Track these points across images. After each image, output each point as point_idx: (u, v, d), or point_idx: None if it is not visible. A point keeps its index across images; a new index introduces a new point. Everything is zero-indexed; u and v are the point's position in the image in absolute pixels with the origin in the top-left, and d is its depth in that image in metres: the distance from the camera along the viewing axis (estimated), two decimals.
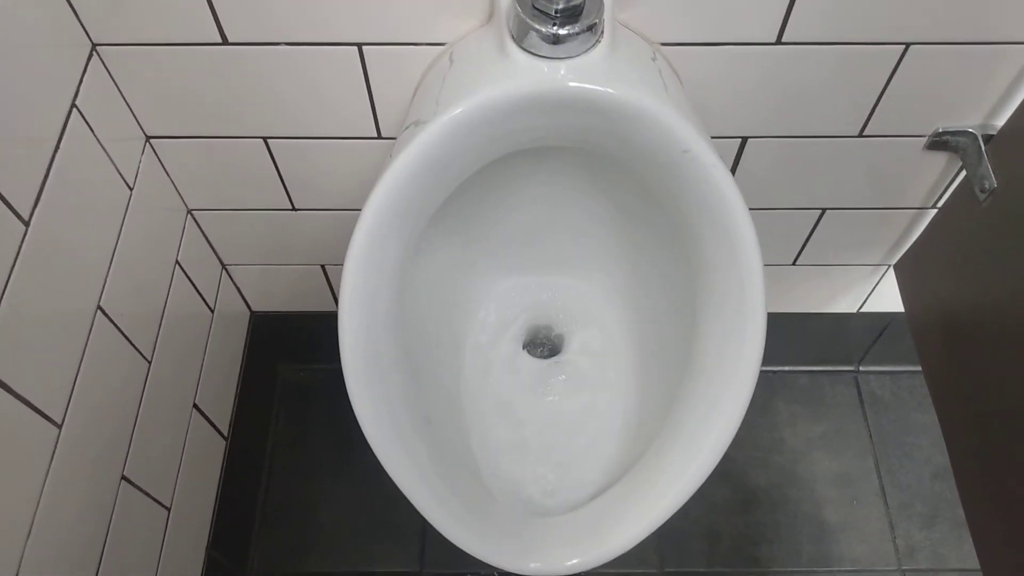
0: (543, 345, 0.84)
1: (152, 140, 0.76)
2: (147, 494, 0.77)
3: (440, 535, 0.61)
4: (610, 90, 0.55)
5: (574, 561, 0.62)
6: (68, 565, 0.64)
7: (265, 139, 0.76)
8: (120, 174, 0.71)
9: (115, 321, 0.70)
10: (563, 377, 0.80)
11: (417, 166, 0.57)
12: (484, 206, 0.78)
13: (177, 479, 0.84)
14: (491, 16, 0.63)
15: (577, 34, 0.54)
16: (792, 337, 1.11)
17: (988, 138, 0.74)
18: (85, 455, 0.65)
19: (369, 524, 1.07)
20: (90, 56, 0.66)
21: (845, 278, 0.99)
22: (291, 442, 1.14)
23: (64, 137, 0.62)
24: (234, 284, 1.00)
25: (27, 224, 0.57)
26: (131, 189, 0.73)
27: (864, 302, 1.04)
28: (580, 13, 0.55)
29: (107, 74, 0.68)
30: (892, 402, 1.19)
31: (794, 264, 0.96)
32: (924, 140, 0.77)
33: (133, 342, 0.74)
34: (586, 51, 0.56)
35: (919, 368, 0.87)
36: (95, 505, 0.68)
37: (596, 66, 0.56)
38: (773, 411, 1.18)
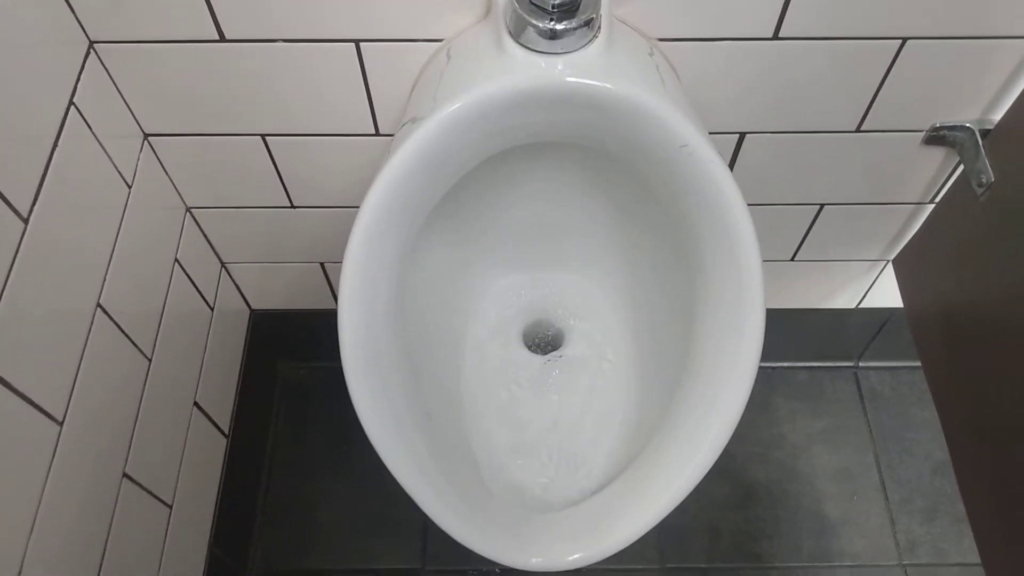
0: (542, 341, 0.84)
1: (150, 138, 0.76)
2: (148, 491, 0.77)
3: (441, 531, 0.61)
4: (608, 85, 0.55)
5: (575, 556, 0.62)
6: (70, 562, 0.64)
7: (263, 136, 0.76)
8: (119, 172, 0.71)
9: (115, 319, 0.70)
10: (562, 373, 0.80)
11: (415, 162, 0.57)
12: (482, 203, 0.78)
13: (178, 477, 0.84)
14: (488, 12, 0.63)
15: (574, 29, 0.54)
16: (791, 333, 1.11)
17: (985, 133, 0.74)
18: (86, 452, 0.65)
19: (370, 521, 1.07)
20: (87, 54, 0.66)
21: (844, 274, 0.99)
22: (292, 440, 1.14)
23: (62, 135, 0.62)
24: (233, 282, 1.00)
25: (26, 222, 0.57)
26: (129, 187, 0.73)
27: (863, 298, 1.04)
28: (577, 8, 0.55)
29: (105, 72, 0.68)
30: (892, 397, 1.19)
31: (793, 260, 0.96)
32: (921, 135, 0.77)
33: (133, 340, 0.74)
34: (583, 46, 0.56)
35: (918, 363, 0.88)
36: (97, 502, 0.68)
37: (593, 61, 0.56)
38: (773, 407, 1.18)
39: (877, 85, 0.71)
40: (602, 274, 0.83)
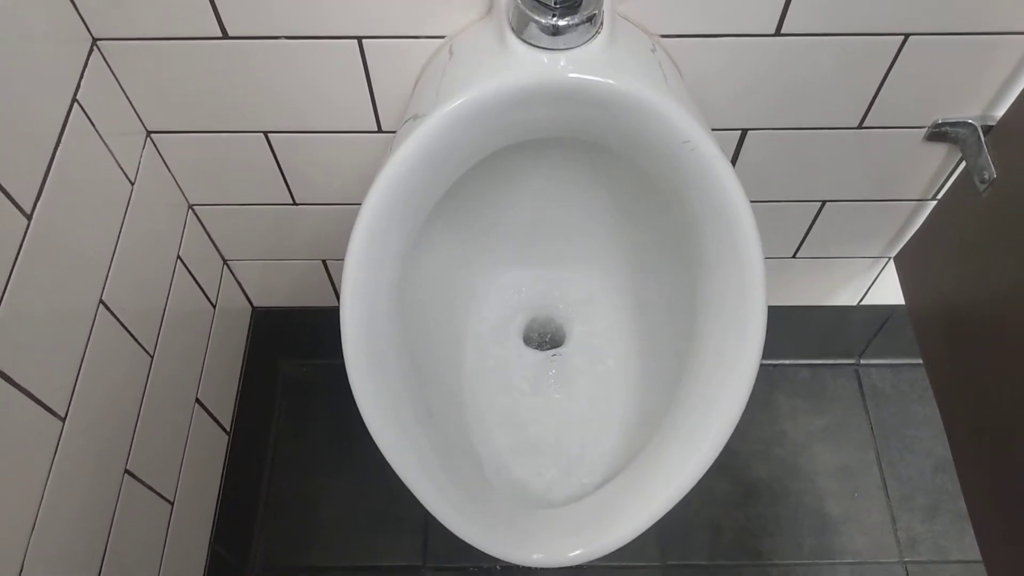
0: (544, 339, 0.84)
1: (153, 135, 0.76)
2: (150, 488, 0.77)
3: (442, 528, 0.61)
4: (610, 81, 0.55)
5: (577, 552, 0.62)
6: (72, 558, 0.64)
7: (266, 133, 0.76)
8: (121, 169, 0.71)
9: (117, 315, 0.70)
10: (564, 370, 0.80)
11: (417, 159, 0.57)
12: (484, 199, 0.78)
13: (180, 473, 0.85)
14: (490, 8, 0.63)
15: (577, 25, 0.54)
16: (793, 330, 1.12)
17: (987, 129, 0.74)
18: (88, 449, 0.65)
19: (371, 517, 1.08)
20: (91, 51, 0.66)
21: (845, 271, 0.99)
22: (293, 436, 1.14)
23: (65, 132, 0.62)
24: (235, 279, 1.00)
25: (29, 218, 0.57)
26: (132, 184, 0.73)
27: (865, 295, 1.04)
28: (579, 4, 0.55)
29: (108, 69, 0.68)
30: (893, 395, 1.19)
31: (794, 257, 0.96)
32: (923, 131, 0.77)
33: (135, 336, 0.74)
34: (586, 42, 0.56)
35: (920, 361, 0.88)
36: (99, 499, 0.68)
37: (596, 57, 0.56)
38: (774, 404, 1.18)
39: (879, 81, 0.71)
40: (604, 271, 0.83)
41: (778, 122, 0.76)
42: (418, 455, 0.61)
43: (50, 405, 0.60)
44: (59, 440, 0.61)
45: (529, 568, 1.05)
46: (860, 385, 1.20)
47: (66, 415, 0.62)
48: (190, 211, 0.86)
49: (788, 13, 0.65)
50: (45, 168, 0.60)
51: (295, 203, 0.86)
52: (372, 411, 0.59)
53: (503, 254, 0.83)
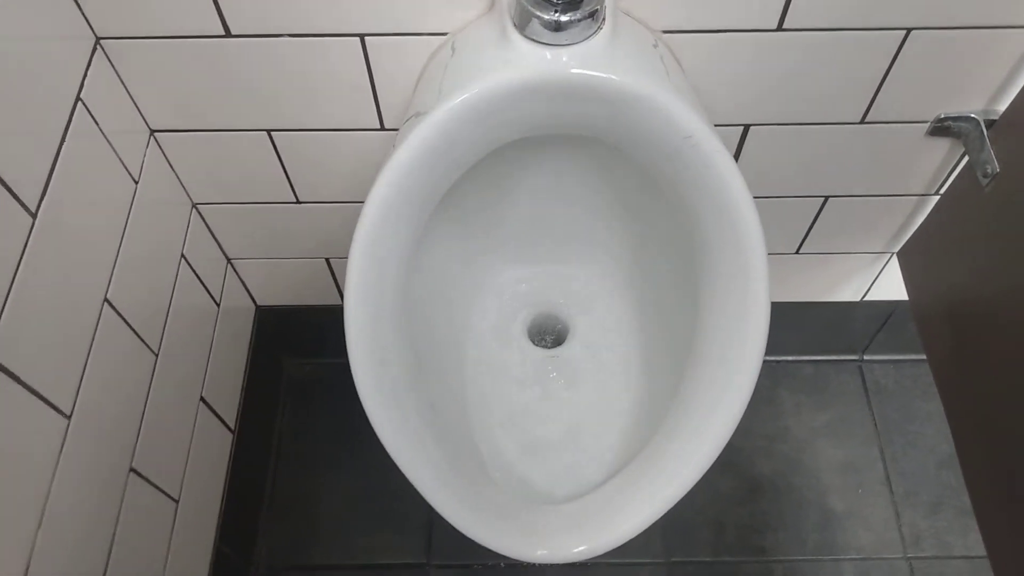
0: (547, 334, 0.84)
1: (156, 134, 0.77)
2: (155, 486, 0.78)
3: (447, 526, 0.61)
4: (612, 76, 0.55)
5: (581, 548, 0.62)
6: (78, 555, 0.64)
7: (269, 132, 0.76)
8: (125, 168, 0.72)
9: (122, 314, 0.70)
10: (567, 366, 0.80)
11: (420, 155, 0.57)
12: (487, 196, 0.78)
13: (185, 472, 0.85)
14: (492, 5, 0.63)
15: (579, 21, 0.54)
16: (796, 326, 1.11)
17: (990, 123, 0.74)
18: (94, 447, 0.66)
19: (375, 516, 1.08)
20: (94, 50, 0.66)
21: (848, 266, 0.99)
22: (297, 435, 1.14)
23: (69, 131, 0.63)
24: (239, 278, 1.00)
25: (34, 216, 0.57)
26: (136, 183, 0.74)
27: (868, 290, 1.04)
28: (581, 0, 0.55)
29: (111, 68, 0.69)
30: (896, 391, 1.19)
31: (797, 252, 0.96)
32: (926, 126, 0.77)
33: (140, 334, 0.74)
34: (588, 38, 0.56)
35: (923, 357, 0.88)
36: (104, 497, 0.68)
37: (598, 53, 0.56)
38: (778, 400, 1.18)
39: (881, 76, 0.71)
40: (606, 267, 0.83)
41: (780, 117, 0.76)
42: (422, 452, 0.61)
43: (55, 403, 0.60)
44: (64, 438, 0.61)
45: (534, 565, 1.06)
46: (863, 381, 1.20)
47: (71, 413, 0.62)
48: (194, 210, 0.86)
49: (790, 8, 0.65)
50: (49, 167, 0.60)
51: (298, 201, 0.86)
52: (376, 407, 0.59)
53: (506, 251, 0.83)
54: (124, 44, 0.67)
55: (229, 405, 0.98)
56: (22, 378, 0.56)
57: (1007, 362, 0.71)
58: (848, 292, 1.05)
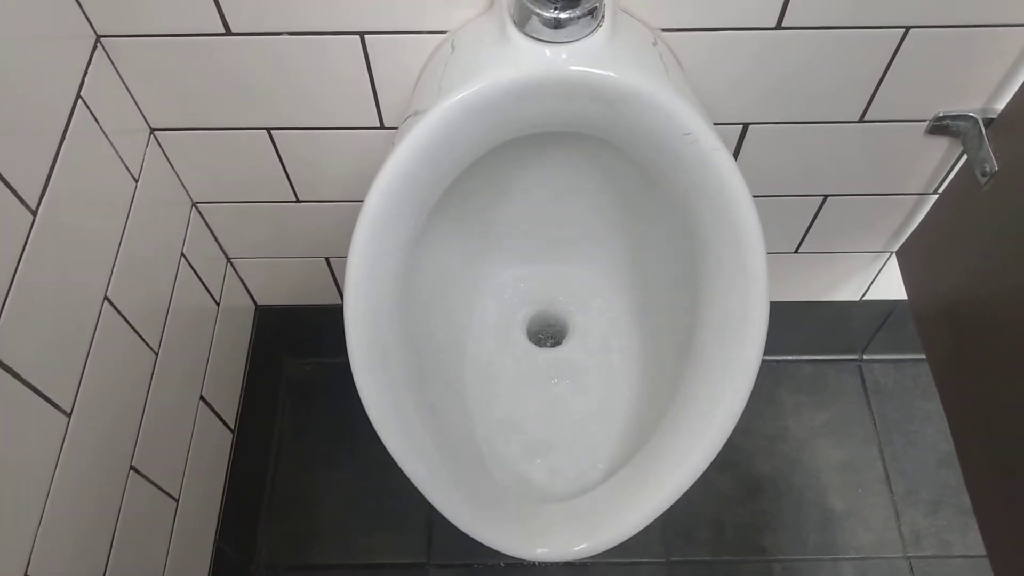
0: (547, 333, 0.84)
1: (156, 132, 0.77)
2: (155, 485, 0.78)
3: (447, 525, 0.62)
4: (611, 74, 0.55)
5: (581, 546, 0.62)
6: (79, 553, 0.64)
7: (269, 130, 0.76)
8: (125, 166, 0.72)
9: (122, 312, 0.70)
10: (567, 365, 0.80)
11: (420, 153, 0.57)
12: (486, 194, 0.78)
13: (185, 471, 0.85)
14: (492, 3, 0.63)
15: (578, 18, 0.55)
16: (795, 326, 1.12)
17: (989, 122, 0.74)
18: (94, 444, 0.66)
19: (375, 515, 1.08)
20: (94, 47, 0.66)
21: (848, 265, 1.00)
22: (297, 435, 1.14)
23: (69, 128, 0.63)
24: (239, 277, 1.00)
25: (34, 214, 0.58)
26: (136, 181, 0.74)
27: (867, 290, 1.05)
28: None
29: (111, 66, 0.69)
30: (896, 390, 1.19)
31: (796, 252, 0.96)
32: (925, 125, 0.77)
33: (140, 333, 0.74)
34: (587, 35, 0.56)
35: (923, 356, 0.88)
36: (104, 495, 0.68)
37: (597, 50, 0.56)
38: (777, 400, 1.18)
39: (880, 74, 0.72)
40: (606, 265, 0.83)
41: (779, 116, 0.76)
42: (422, 450, 0.61)
43: (56, 401, 0.60)
44: (65, 436, 0.61)
45: (534, 564, 1.06)
46: (863, 381, 1.20)
47: (71, 411, 0.62)
48: (193, 209, 0.87)
49: (789, 6, 0.65)
50: (50, 165, 0.60)
51: (298, 200, 0.86)
52: (376, 407, 0.59)
53: (505, 250, 0.83)
54: (124, 42, 0.67)
55: (229, 404, 0.98)
56: (22, 375, 0.56)
57: (1006, 361, 0.71)
58: (847, 291, 1.05)
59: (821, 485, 1.12)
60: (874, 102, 0.74)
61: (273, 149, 0.79)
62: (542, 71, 0.56)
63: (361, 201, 0.57)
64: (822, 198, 0.87)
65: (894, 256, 0.97)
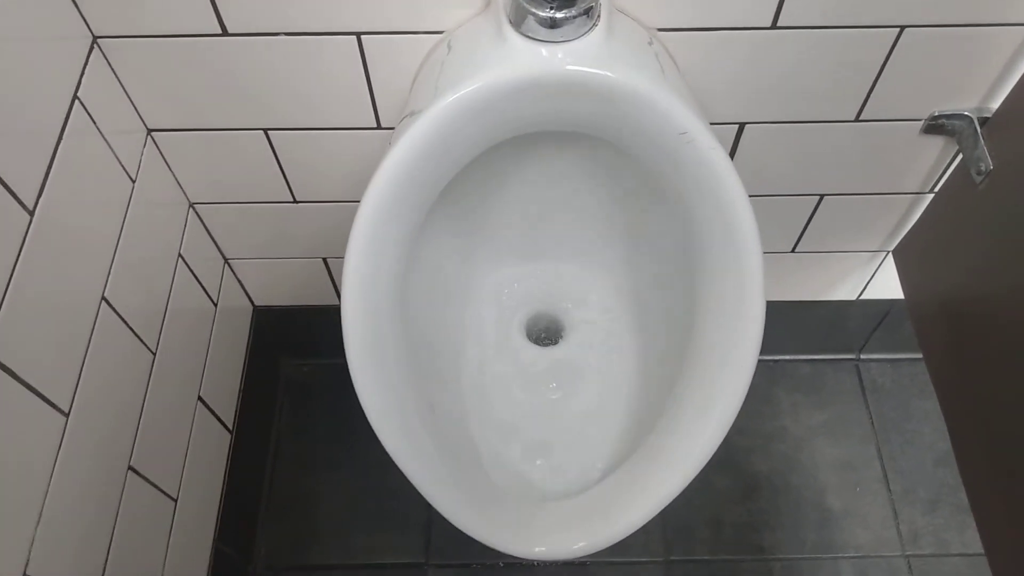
0: (544, 332, 0.84)
1: (153, 133, 0.77)
2: (154, 485, 0.78)
3: (446, 525, 0.62)
4: (607, 73, 0.56)
5: (580, 544, 0.62)
6: (77, 553, 0.64)
7: (266, 131, 0.76)
8: (122, 166, 0.72)
9: (119, 312, 0.71)
10: (563, 364, 0.81)
11: (416, 152, 0.57)
12: (484, 193, 0.78)
13: (183, 471, 0.85)
14: (488, 2, 0.63)
15: (574, 17, 0.55)
16: (793, 326, 1.12)
17: (984, 121, 0.74)
18: (92, 445, 0.66)
19: (374, 516, 1.08)
20: (91, 48, 0.66)
21: (845, 265, 1.00)
22: (295, 435, 1.14)
23: (66, 129, 0.63)
24: (236, 278, 1.00)
25: (31, 214, 0.58)
26: (133, 182, 0.74)
27: (864, 289, 1.05)
28: None
29: (108, 67, 0.69)
30: (893, 389, 1.19)
31: (793, 251, 0.97)
32: (920, 124, 0.77)
33: (138, 334, 0.74)
34: (583, 35, 0.56)
35: (920, 355, 0.88)
36: (103, 495, 0.68)
37: (593, 49, 0.56)
38: (775, 400, 1.18)
39: (875, 74, 0.72)
40: (603, 264, 0.83)
41: (775, 115, 0.76)
42: (420, 448, 0.61)
43: (54, 400, 0.60)
44: (63, 436, 0.62)
45: (533, 563, 1.06)
46: (860, 380, 1.20)
47: (69, 411, 0.62)
48: (191, 209, 0.87)
49: (784, 6, 0.65)
50: (47, 165, 0.60)
51: (295, 201, 0.86)
52: (374, 405, 0.59)
53: (502, 249, 0.83)
54: (121, 43, 0.67)
55: (227, 405, 0.98)
56: (20, 375, 0.56)
57: (1003, 359, 0.71)
58: (844, 291, 1.05)
59: (819, 484, 1.12)
60: (870, 101, 0.75)
61: (270, 149, 0.79)
62: (538, 71, 0.56)
63: (358, 201, 0.57)
64: (818, 197, 0.88)
65: (891, 255, 0.97)
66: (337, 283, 1.02)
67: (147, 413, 0.76)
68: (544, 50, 0.56)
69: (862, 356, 1.21)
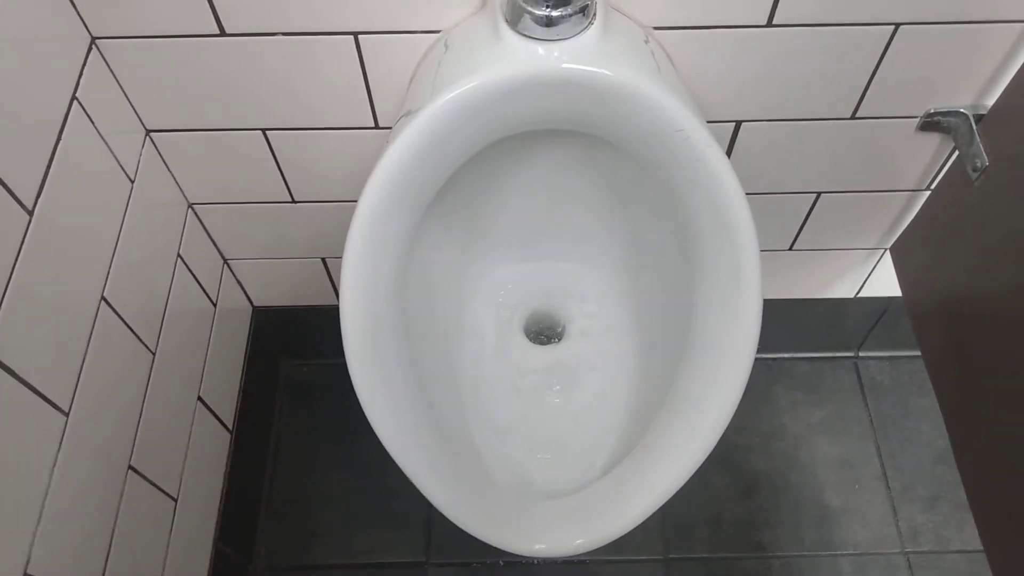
0: (543, 331, 0.84)
1: (152, 133, 0.77)
2: (154, 485, 0.78)
3: (446, 524, 0.62)
4: (604, 71, 0.56)
5: (579, 542, 0.63)
6: (77, 553, 0.64)
7: (264, 131, 0.77)
8: (121, 167, 0.72)
9: (119, 312, 0.71)
10: (562, 362, 0.81)
11: (414, 151, 0.57)
12: (482, 191, 0.78)
13: (183, 471, 0.85)
14: (485, 2, 0.63)
15: (569, 16, 0.55)
16: (791, 324, 1.12)
17: (979, 117, 0.75)
18: (92, 444, 0.66)
19: (374, 515, 1.08)
20: (89, 49, 0.67)
21: (842, 262, 1.00)
22: (295, 435, 1.14)
23: (65, 129, 0.63)
24: (235, 278, 1.00)
25: (31, 214, 0.58)
26: (132, 182, 0.74)
27: (862, 286, 1.05)
28: None
29: (107, 67, 0.69)
30: (892, 387, 1.19)
31: (791, 249, 0.97)
32: (916, 121, 0.78)
33: (137, 334, 0.74)
34: (579, 33, 0.56)
35: (918, 353, 0.88)
36: (103, 495, 0.69)
37: (589, 48, 0.57)
38: (773, 398, 1.19)
39: (871, 71, 0.72)
40: (601, 262, 0.84)
41: (771, 113, 0.76)
42: (419, 446, 0.61)
43: (54, 400, 0.60)
44: (63, 435, 0.62)
45: (533, 562, 1.06)
46: (859, 377, 1.20)
47: (69, 410, 0.63)
48: (190, 210, 0.87)
49: (779, 4, 0.65)
50: (46, 165, 0.60)
51: (294, 201, 0.86)
52: (373, 404, 0.59)
53: (501, 247, 0.84)
54: (119, 44, 0.67)
55: (227, 405, 0.98)
56: (20, 374, 0.56)
57: (1001, 356, 0.72)
58: (842, 288, 1.05)
59: (818, 482, 1.12)
60: (865, 99, 0.75)
61: (268, 150, 0.79)
62: (535, 69, 0.56)
63: (356, 201, 0.58)
64: (815, 195, 0.88)
65: (888, 253, 0.97)
66: (336, 283, 1.02)
67: (147, 413, 0.76)
68: (540, 49, 0.56)
69: (860, 354, 1.21)
